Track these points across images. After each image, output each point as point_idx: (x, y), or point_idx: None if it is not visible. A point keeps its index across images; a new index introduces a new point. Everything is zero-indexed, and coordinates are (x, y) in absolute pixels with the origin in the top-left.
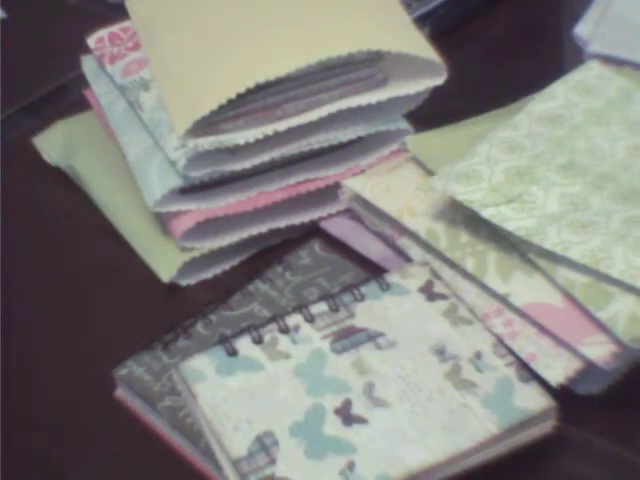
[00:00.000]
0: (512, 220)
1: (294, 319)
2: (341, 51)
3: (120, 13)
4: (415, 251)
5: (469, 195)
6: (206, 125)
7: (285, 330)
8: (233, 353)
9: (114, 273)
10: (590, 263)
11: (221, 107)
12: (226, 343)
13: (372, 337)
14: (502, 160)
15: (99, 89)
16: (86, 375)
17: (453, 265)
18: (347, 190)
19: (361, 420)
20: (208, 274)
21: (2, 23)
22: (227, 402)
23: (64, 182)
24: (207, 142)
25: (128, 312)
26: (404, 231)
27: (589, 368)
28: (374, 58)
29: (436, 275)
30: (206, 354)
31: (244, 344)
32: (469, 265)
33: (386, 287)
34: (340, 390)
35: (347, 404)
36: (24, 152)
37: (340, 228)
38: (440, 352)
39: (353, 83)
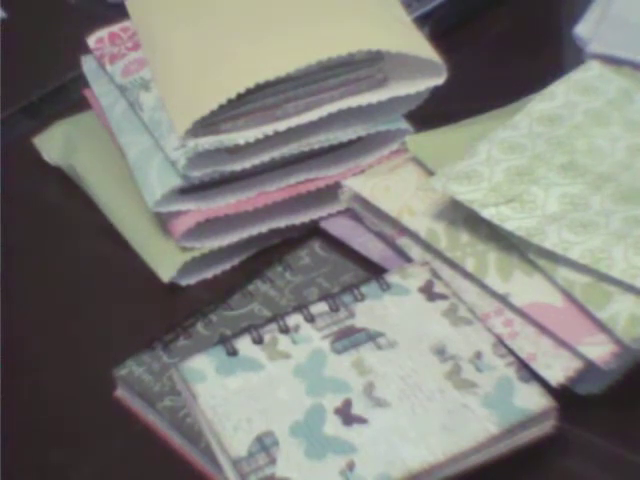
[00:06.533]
0: (512, 220)
1: (294, 319)
2: (341, 51)
3: (120, 13)
4: (415, 251)
5: (469, 195)
6: (206, 125)
7: (285, 330)
8: (233, 353)
9: (114, 273)
10: (590, 263)
11: (221, 107)
12: (226, 343)
13: (372, 337)
14: (502, 160)
15: (99, 89)
16: (86, 375)
17: (453, 265)
18: (347, 190)
19: (361, 420)
20: (208, 274)
21: (2, 23)
22: (227, 402)
23: (64, 182)
24: (207, 142)
25: (128, 312)
26: (404, 231)
27: (589, 368)
28: (374, 58)
29: (436, 275)
30: (206, 354)
31: (244, 344)
32: (469, 265)
33: (386, 287)
34: (340, 390)
35: (347, 404)
36: (24, 152)
37: (340, 228)
38: (440, 352)
39: (353, 83)
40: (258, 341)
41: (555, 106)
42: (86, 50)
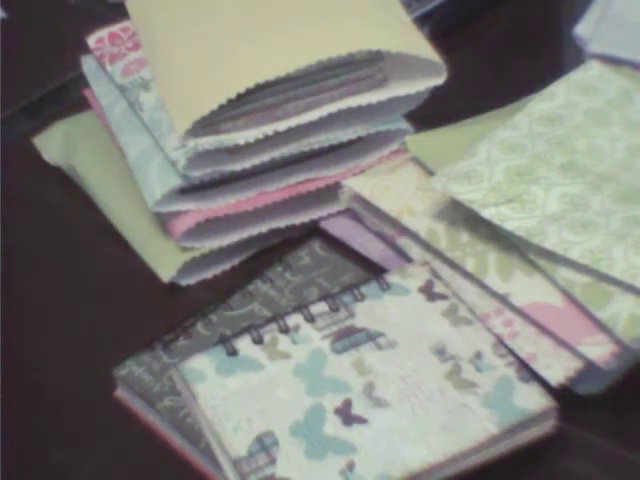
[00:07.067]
0: (512, 220)
1: (294, 319)
2: (341, 51)
3: (120, 13)
4: (415, 251)
5: (469, 195)
6: (206, 125)
7: (285, 330)
8: (233, 353)
9: (114, 273)
10: (590, 263)
11: (221, 107)
12: (226, 343)
13: (372, 337)
14: (502, 160)
15: (99, 89)
16: (86, 375)
17: (453, 265)
18: (347, 190)
19: (361, 420)
20: (208, 274)
21: (2, 23)
22: (227, 402)
23: (64, 182)
24: (207, 142)
25: (128, 312)
26: (404, 231)
27: (589, 368)
28: (374, 58)
29: (436, 275)
30: (206, 354)
31: (244, 344)
32: (469, 265)
33: (386, 287)
34: (340, 390)
35: (347, 404)
36: (24, 152)
37: (340, 228)
38: (440, 352)
39: (353, 83)
40: (258, 341)
41: (555, 106)
42: (86, 50)
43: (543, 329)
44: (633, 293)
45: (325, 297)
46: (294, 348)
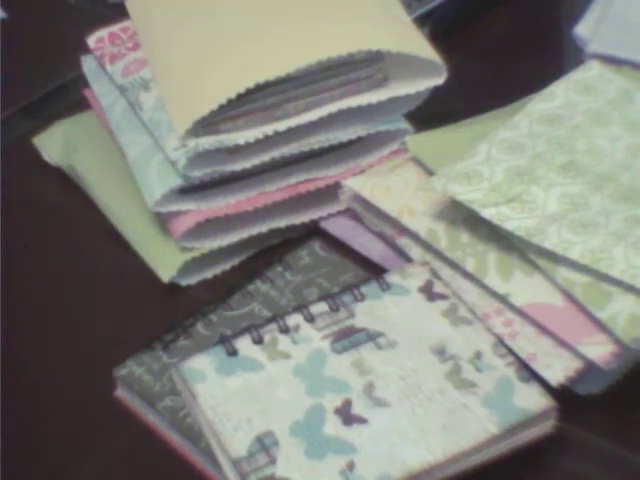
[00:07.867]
0: (512, 220)
1: (294, 319)
2: (341, 51)
3: (120, 13)
4: (415, 251)
5: (469, 195)
6: (206, 125)
7: (285, 330)
8: (233, 353)
9: (114, 273)
10: (590, 263)
11: (221, 107)
12: (226, 343)
13: (372, 337)
14: (502, 160)
15: (99, 89)
16: (86, 375)
17: (453, 265)
18: (347, 190)
19: (361, 420)
20: (208, 274)
21: (2, 23)
22: (227, 402)
23: (64, 182)
24: (207, 142)
25: (128, 312)
26: (404, 231)
27: (589, 368)
28: (374, 58)
29: (436, 275)
30: (206, 354)
31: (244, 344)
32: (469, 265)
33: (386, 287)
34: (340, 390)
35: (347, 404)
36: (24, 152)
37: (340, 228)
38: (440, 352)
39: (353, 83)
40: (258, 341)
41: (555, 106)
42: (86, 50)
43: (543, 329)
44: (633, 293)
45: (325, 297)
46: (294, 348)
